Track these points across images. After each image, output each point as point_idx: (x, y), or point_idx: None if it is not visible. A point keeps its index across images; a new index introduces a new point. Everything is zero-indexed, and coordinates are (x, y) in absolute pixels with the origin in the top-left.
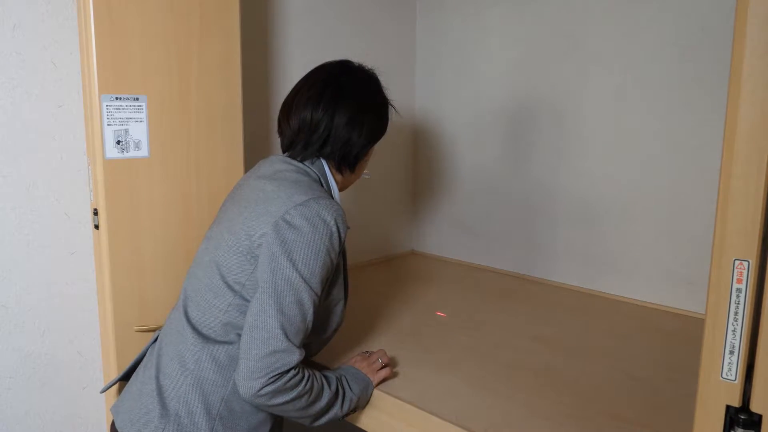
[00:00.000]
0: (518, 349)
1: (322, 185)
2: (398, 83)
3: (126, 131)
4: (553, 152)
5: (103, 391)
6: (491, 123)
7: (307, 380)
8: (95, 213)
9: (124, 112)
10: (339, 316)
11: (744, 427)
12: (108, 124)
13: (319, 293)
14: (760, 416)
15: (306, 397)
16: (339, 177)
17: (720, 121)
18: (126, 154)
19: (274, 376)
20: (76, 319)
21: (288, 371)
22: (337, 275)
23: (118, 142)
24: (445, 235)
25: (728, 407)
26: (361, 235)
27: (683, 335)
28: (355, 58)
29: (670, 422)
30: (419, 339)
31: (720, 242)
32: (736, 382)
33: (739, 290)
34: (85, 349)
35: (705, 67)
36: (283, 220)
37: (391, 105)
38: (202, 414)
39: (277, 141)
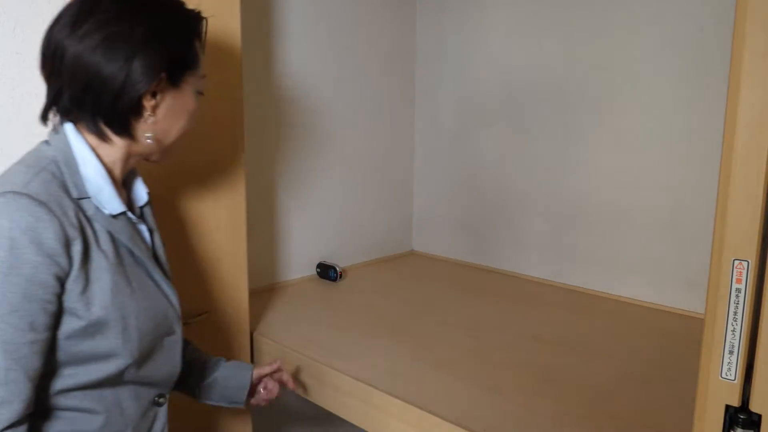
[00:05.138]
0: (518, 349)
1: (59, 171)
2: (398, 83)
3: None
4: (553, 152)
5: None
6: (491, 122)
7: None
8: None
9: None
10: (121, 330)
11: (743, 427)
12: None
13: (20, 325)
14: (759, 416)
15: None
16: (111, 149)
17: (720, 120)
18: None
19: None
20: None
21: None
22: (89, 283)
23: None
24: (445, 235)
25: (728, 407)
26: (360, 235)
27: (683, 335)
28: (356, 57)
29: (669, 422)
30: (419, 339)
31: (719, 242)
32: (735, 381)
33: (738, 290)
34: None
35: (705, 67)
36: None
37: (198, 38)
38: None
39: (277, 140)
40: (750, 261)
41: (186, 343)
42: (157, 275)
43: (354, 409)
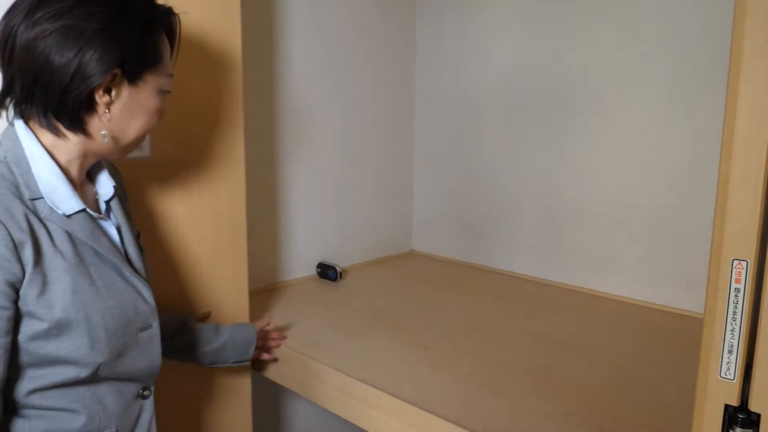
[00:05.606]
0: (518, 348)
1: (9, 171)
2: (398, 83)
3: None
4: (553, 152)
5: None
6: (491, 122)
7: None
8: None
9: None
10: (86, 330)
11: (742, 427)
12: None
13: None
14: (758, 415)
15: None
16: (66, 144)
17: (719, 120)
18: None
19: None
20: None
21: None
22: (46, 285)
23: None
24: (445, 235)
25: (727, 406)
26: (360, 235)
27: (682, 335)
28: (356, 58)
29: (669, 422)
30: (419, 339)
31: (718, 242)
32: (734, 381)
33: (737, 290)
34: None
35: (704, 67)
36: None
37: (165, 34)
38: None
39: (277, 140)
40: (749, 261)
41: (186, 318)
42: (127, 271)
43: (354, 408)
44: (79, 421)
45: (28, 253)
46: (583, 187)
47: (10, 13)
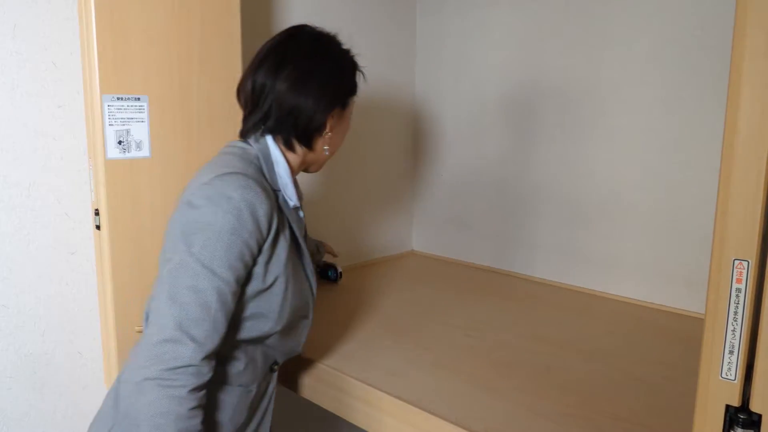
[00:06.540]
0: (518, 349)
1: (261, 166)
2: (398, 83)
3: (127, 131)
4: (553, 152)
5: None
6: (491, 122)
7: (193, 401)
8: (96, 213)
9: (126, 113)
10: (281, 300)
11: (743, 427)
12: (109, 125)
13: (230, 278)
14: (759, 416)
15: (175, 405)
16: (294, 156)
17: (720, 120)
18: (127, 155)
19: (164, 369)
20: (76, 319)
21: (181, 368)
22: (272, 256)
23: (120, 143)
24: (445, 235)
25: (728, 407)
26: (360, 234)
27: (683, 335)
28: (356, 58)
29: (669, 422)
30: (419, 339)
31: (719, 242)
32: (735, 381)
33: (738, 290)
34: (85, 348)
35: (705, 67)
36: (186, 202)
37: (359, 71)
38: None
39: None
40: (750, 261)
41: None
42: (308, 268)
43: (354, 409)
44: (239, 367)
45: (274, 228)
46: (583, 188)
47: (256, 72)
